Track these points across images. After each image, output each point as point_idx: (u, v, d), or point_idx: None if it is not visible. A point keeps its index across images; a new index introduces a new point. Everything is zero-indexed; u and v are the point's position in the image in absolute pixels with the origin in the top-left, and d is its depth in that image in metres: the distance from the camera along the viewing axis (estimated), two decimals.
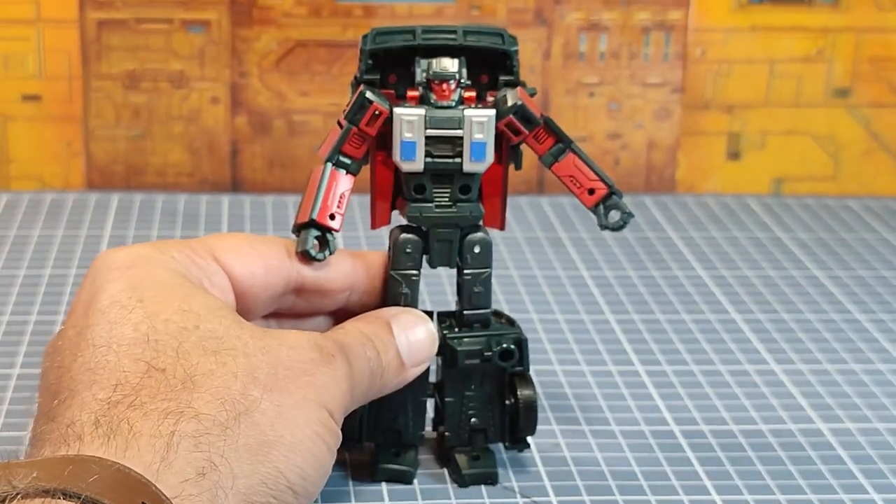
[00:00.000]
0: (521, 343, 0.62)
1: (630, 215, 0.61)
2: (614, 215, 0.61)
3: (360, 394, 0.57)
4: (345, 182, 0.60)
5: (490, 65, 0.60)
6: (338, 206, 0.60)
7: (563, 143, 0.60)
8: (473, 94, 0.60)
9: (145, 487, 0.45)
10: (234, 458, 0.48)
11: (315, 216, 0.60)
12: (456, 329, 0.62)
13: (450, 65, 0.58)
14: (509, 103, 0.59)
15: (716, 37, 1.07)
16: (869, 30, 1.08)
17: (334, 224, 0.60)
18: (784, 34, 1.07)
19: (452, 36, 0.59)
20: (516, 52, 0.60)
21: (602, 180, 0.61)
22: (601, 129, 1.08)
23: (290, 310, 0.62)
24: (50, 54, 1.03)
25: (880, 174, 1.11)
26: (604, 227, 0.61)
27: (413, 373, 0.60)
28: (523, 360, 0.62)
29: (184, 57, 1.03)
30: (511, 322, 0.63)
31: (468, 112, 0.59)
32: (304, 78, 1.05)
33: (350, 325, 0.59)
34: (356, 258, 0.62)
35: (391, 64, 0.60)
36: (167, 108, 1.04)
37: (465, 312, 0.62)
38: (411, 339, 0.59)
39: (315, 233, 0.60)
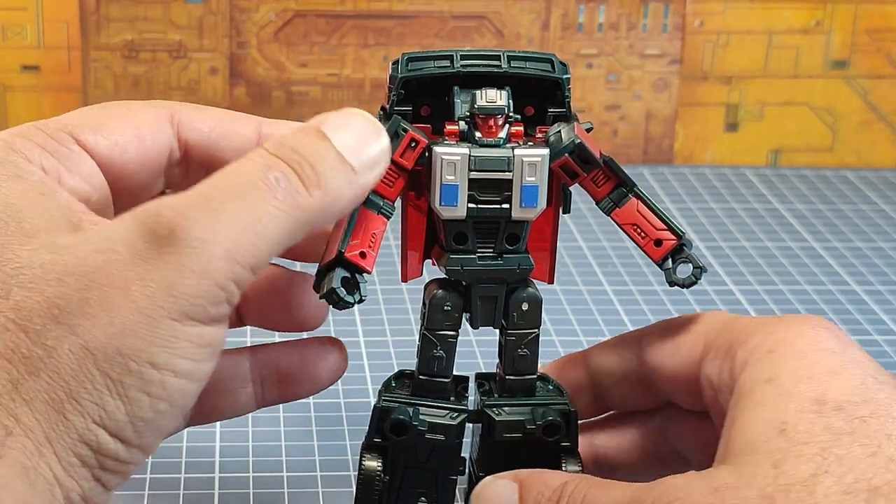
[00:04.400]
0: (570, 416, 0.54)
1: (703, 270, 0.53)
2: (684, 270, 0.53)
3: (269, 237, 0.44)
4: (377, 222, 0.51)
5: (537, 95, 0.53)
6: (370, 246, 0.51)
7: (624, 186, 0.53)
8: (521, 129, 0.52)
9: None
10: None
11: (343, 249, 0.50)
12: (495, 395, 0.55)
13: (497, 97, 0.51)
14: (565, 141, 0.51)
15: (714, 7, 1.07)
16: (867, 1, 1.08)
17: (366, 263, 0.51)
18: (782, 5, 1.07)
19: (496, 62, 0.51)
20: (568, 80, 0.52)
21: (671, 229, 0.53)
22: (599, 101, 1.08)
23: (182, 186, 0.50)
24: (49, 24, 1.03)
25: (878, 145, 1.11)
26: (672, 283, 0.53)
27: (367, 178, 0.47)
28: (570, 434, 0.54)
29: (182, 27, 1.03)
30: (559, 390, 0.55)
31: (519, 152, 0.51)
32: (303, 49, 1.05)
33: (251, 151, 0.46)
34: (266, 125, 0.53)
35: (423, 94, 0.52)
36: (166, 79, 1.04)
37: (507, 377, 0.54)
38: (353, 137, 0.47)
39: (343, 273, 0.50)
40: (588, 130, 0.52)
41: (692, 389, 0.52)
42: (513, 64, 0.52)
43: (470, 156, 0.50)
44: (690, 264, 0.53)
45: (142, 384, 0.42)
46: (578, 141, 0.51)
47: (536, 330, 0.54)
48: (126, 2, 1.02)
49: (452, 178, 0.51)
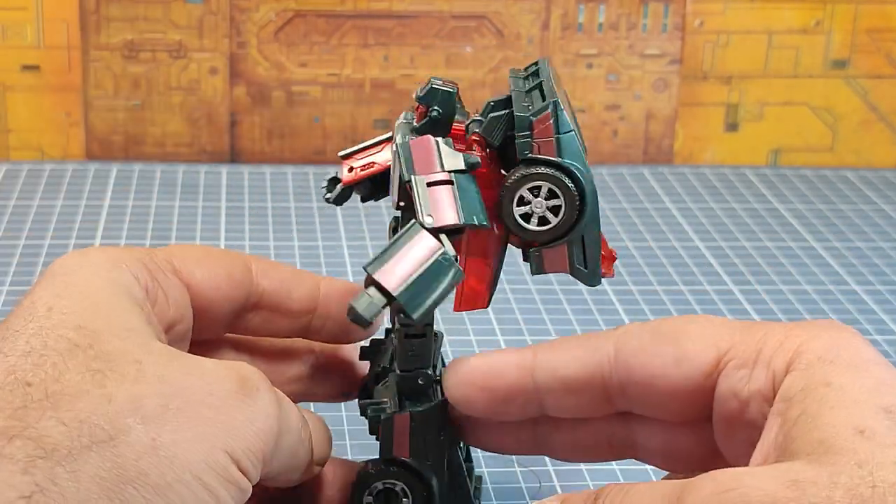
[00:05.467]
0: (378, 422, 0.54)
1: (360, 318, 0.48)
2: (349, 308, 0.48)
3: (287, 449, 0.50)
4: (386, 158, 0.54)
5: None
6: (361, 168, 0.54)
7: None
8: (462, 128, 0.52)
9: None
10: (73, 489, 0.42)
11: (342, 154, 0.55)
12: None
13: (423, 87, 0.51)
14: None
15: (714, 7, 1.07)
16: (867, 1, 1.08)
17: (347, 175, 0.55)
18: (782, 5, 1.07)
19: (523, 85, 0.53)
20: (524, 119, 0.50)
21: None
22: (599, 101, 1.08)
23: (248, 330, 0.58)
24: (49, 24, 1.02)
25: (878, 145, 1.11)
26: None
27: (316, 471, 0.54)
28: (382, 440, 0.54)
29: (182, 27, 1.03)
30: (414, 407, 0.54)
31: (397, 137, 0.52)
32: (303, 49, 1.05)
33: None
34: (325, 282, 0.58)
35: None
36: (166, 79, 1.04)
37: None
38: (316, 429, 0.53)
39: (338, 173, 0.56)
40: (470, 167, 0.50)
41: (689, 401, 0.50)
42: (520, 86, 0.52)
43: (400, 126, 0.53)
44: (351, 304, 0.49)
45: (189, 493, 0.45)
46: (397, 145, 0.51)
47: (398, 325, 0.53)
48: (126, 2, 1.02)
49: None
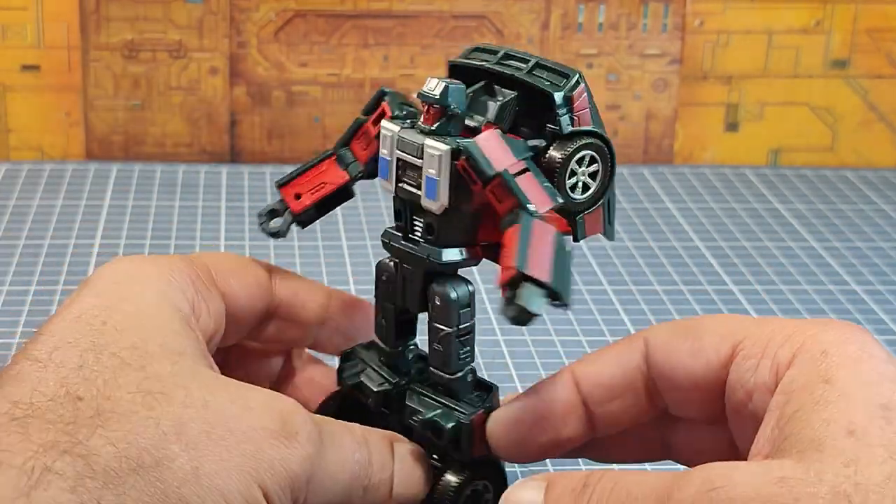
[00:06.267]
0: (459, 428, 0.53)
1: (527, 314, 0.46)
2: (511, 310, 0.46)
3: (330, 490, 0.50)
4: (336, 175, 0.55)
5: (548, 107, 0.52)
6: (311, 191, 0.55)
7: (521, 208, 0.49)
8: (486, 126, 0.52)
9: None
10: None
11: (280, 183, 0.55)
12: (407, 382, 0.55)
13: (436, 87, 0.51)
14: (461, 143, 0.50)
15: (714, 7, 1.07)
16: (867, 1, 1.08)
17: (296, 203, 0.55)
18: (782, 5, 1.07)
19: (521, 66, 0.52)
20: (565, 99, 0.51)
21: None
22: (599, 101, 1.07)
23: (262, 338, 0.59)
24: (49, 24, 1.03)
25: (878, 145, 1.11)
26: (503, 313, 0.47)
27: None
28: (460, 446, 0.53)
29: (182, 27, 1.03)
30: (479, 401, 0.54)
31: (427, 141, 0.51)
32: (303, 48, 1.05)
33: (347, 423, 0.53)
34: (334, 294, 0.59)
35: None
36: (166, 79, 1.04)
37: (431, 369, 0.54)
38: (407, 469, 0.53)
39: (274, 206, 0.56)
40: (534, 153, 0.51)
41: (709, 393, 0.51)
42: (534, 72, 0.52)
43: (397, 136, 0.52)
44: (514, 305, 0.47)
45: None
46: (464, 146, 0.50)
47: (449, 329, 0.53)
48: (126, 2, 1.02)
49: (386, 152, 0.52)
